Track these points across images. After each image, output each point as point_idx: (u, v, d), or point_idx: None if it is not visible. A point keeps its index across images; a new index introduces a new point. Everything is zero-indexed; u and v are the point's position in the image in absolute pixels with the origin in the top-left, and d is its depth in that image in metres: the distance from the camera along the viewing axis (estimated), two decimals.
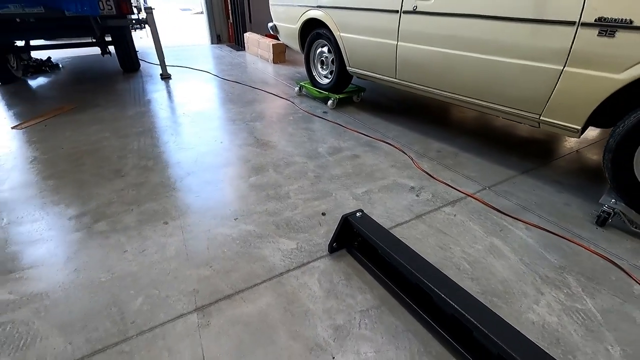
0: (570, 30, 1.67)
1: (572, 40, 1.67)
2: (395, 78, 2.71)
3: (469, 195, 2.02)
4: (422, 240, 1.68)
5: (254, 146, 2.63)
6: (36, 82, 4.34)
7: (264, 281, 1.44)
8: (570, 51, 1.69)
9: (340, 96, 3.41)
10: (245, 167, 2.34)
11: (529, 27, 1.81)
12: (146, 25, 4.08)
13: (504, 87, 2.03)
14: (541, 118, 1.94)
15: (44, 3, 3.03)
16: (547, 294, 1.39)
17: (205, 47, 6.79)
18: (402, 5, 2.41)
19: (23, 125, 2.93)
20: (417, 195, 2.03)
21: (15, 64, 4.24)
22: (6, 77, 4.06)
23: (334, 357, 1.15)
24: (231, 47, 6.59)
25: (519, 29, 1.85)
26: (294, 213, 1.87)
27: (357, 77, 3.22)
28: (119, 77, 4.59)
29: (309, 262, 1.54)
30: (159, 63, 4.45)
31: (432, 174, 2.23)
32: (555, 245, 1.66)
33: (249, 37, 5.99)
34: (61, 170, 2.28)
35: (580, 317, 1.30)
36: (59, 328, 1.24)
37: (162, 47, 4.32)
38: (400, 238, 1.44)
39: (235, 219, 1.81)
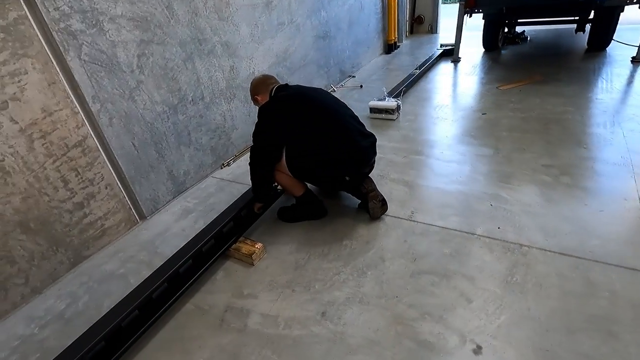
0: None
1: None
2: None
3: None
4: None
5: None
6: (507, 52, 5.39)
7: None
8: None
9: None
10: None
11: None
12: None
13: None
14: None
15: None
16: None
17: None
18: None
19: (504, 87, 3.94)
20: None
21: (500, 36, 5.43)
22: (492, 46, 5.33)
23: None
24: None
25: None
26: None
27: None
28: (580, 55, 4.79)
29: None
30: (636, 45, 4.20)
31: None
32: None
33: None
34: (533, 129, 3.02)
35: None
36: (538, 227, 1.97)
37: None
38: None
39: None
